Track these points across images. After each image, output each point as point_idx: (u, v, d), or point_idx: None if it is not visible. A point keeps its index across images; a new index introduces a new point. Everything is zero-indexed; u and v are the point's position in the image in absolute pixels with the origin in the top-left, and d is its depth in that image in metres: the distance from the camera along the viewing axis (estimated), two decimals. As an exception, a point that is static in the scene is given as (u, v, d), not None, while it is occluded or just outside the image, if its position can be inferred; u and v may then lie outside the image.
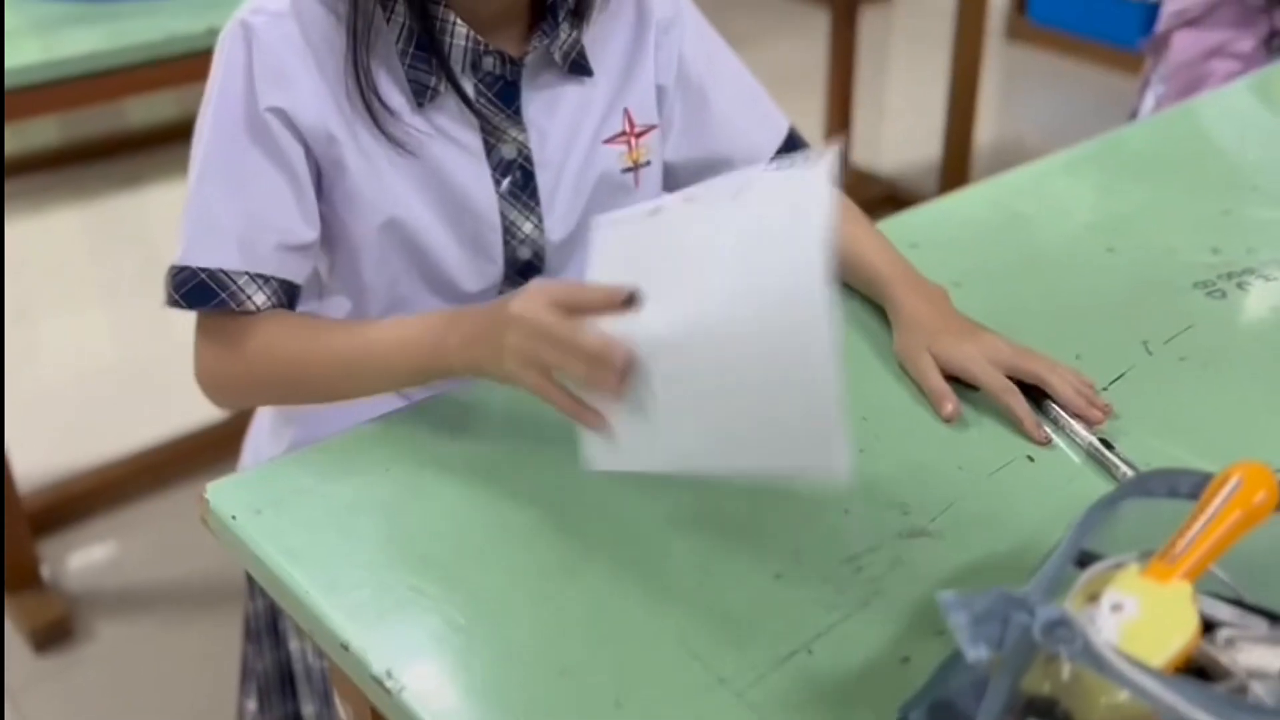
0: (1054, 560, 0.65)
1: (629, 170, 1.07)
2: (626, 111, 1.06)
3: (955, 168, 2.94)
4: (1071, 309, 1.08)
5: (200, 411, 2.21)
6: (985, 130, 3.15)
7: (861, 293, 1.08)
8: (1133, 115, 2.02)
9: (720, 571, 0.80)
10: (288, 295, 0.98)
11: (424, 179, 0.99)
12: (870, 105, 3.50)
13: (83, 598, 1.96)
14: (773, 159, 1.13)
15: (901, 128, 3.54)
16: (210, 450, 2.19)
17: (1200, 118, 1.52)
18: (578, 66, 1.03)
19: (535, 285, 0.84)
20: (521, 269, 1.05)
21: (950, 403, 0.93)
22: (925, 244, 1.19)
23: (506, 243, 1.03)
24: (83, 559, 2.06)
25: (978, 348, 0.96)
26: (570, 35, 1.01)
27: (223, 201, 0.95)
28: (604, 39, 1.04)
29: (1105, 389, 0.97)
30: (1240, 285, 1.10)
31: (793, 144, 1.15)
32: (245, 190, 0.95)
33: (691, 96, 1.10)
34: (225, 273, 0.95)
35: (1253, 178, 1.33)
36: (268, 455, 1.12)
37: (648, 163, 1.08)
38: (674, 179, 1.12)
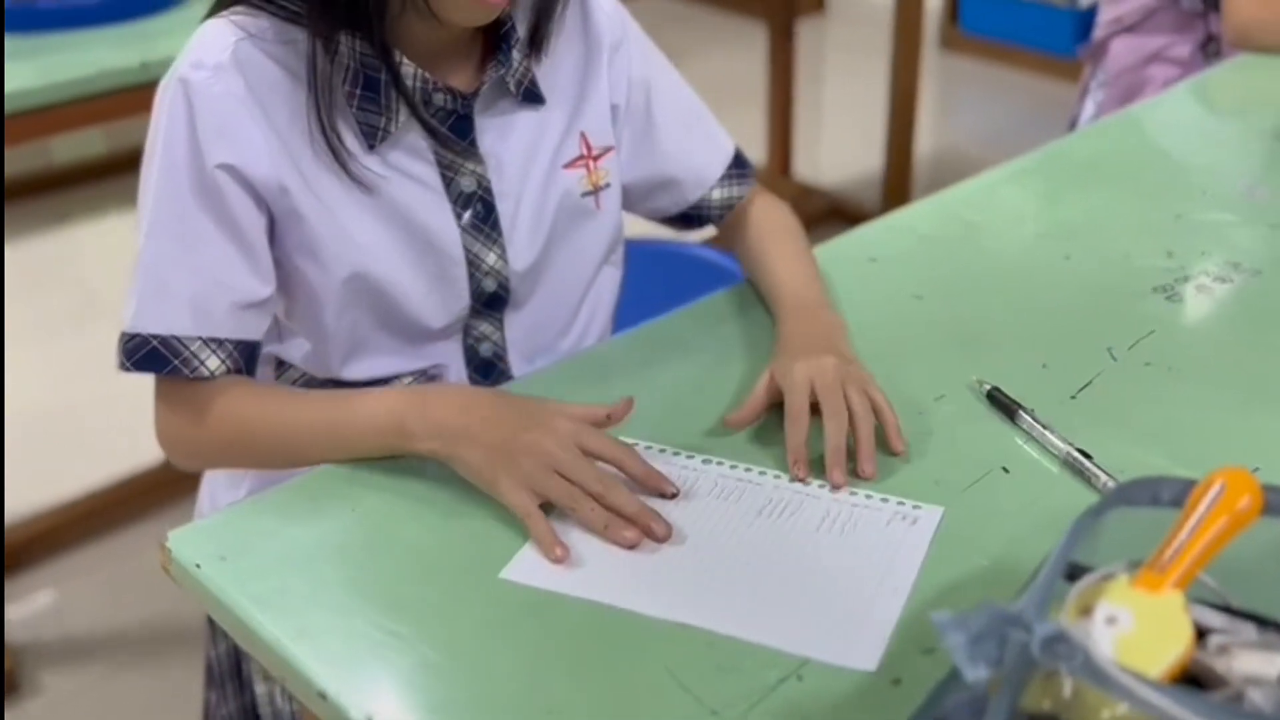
0: (1045, 574, 0.65)
1: (589, 194, 1.07)
2: (583, 135, 1.06)
3: (897, 179, 2.96)
4: (1034, 318, 1.09)
5: (138, 455, 2.17)
6: (924, 141, 3.19)
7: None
8: (1072, 123, 2.05)
9: (702, 599, 0.79)
10: (245, 355, 0.96)
11: (386, 220, 0.98)
12: (809, 118, 3.53)
13: (26, 649, 1.90)
14: (719, 180, 1.14)
15: (841, 140, 3.57)
16: (152, 494, 2.14)
17: (1142, 124, 1.55)
18: (531, 94, 1.02)
19: (559, 413, 0.89)
20: (487, 300, 1.04)
21: (737, 421, 0.94)
22: (883, 258, 1.20)
23: (471, 276, 1.02)
24: (23, 609, 2.00)
25: (806, 369, 0.93)
26: (522, 64, 1.01)
27: (172, 265, 0.93)
28: (555, 64, 1.04)
29: (1074, 396, 0.97)
30: (1198, 288, 1.12)
31: (739, 164, 1.16)
32: (195, 252, 0.93)
33: (638, 117, 1.10)
34: (177, 339, 0.93)
35: (1200, 181, 1.35)
36: (226, 501, 1.09)
37: (607, 185, 1.08)
38: (624, 199, 1.12)
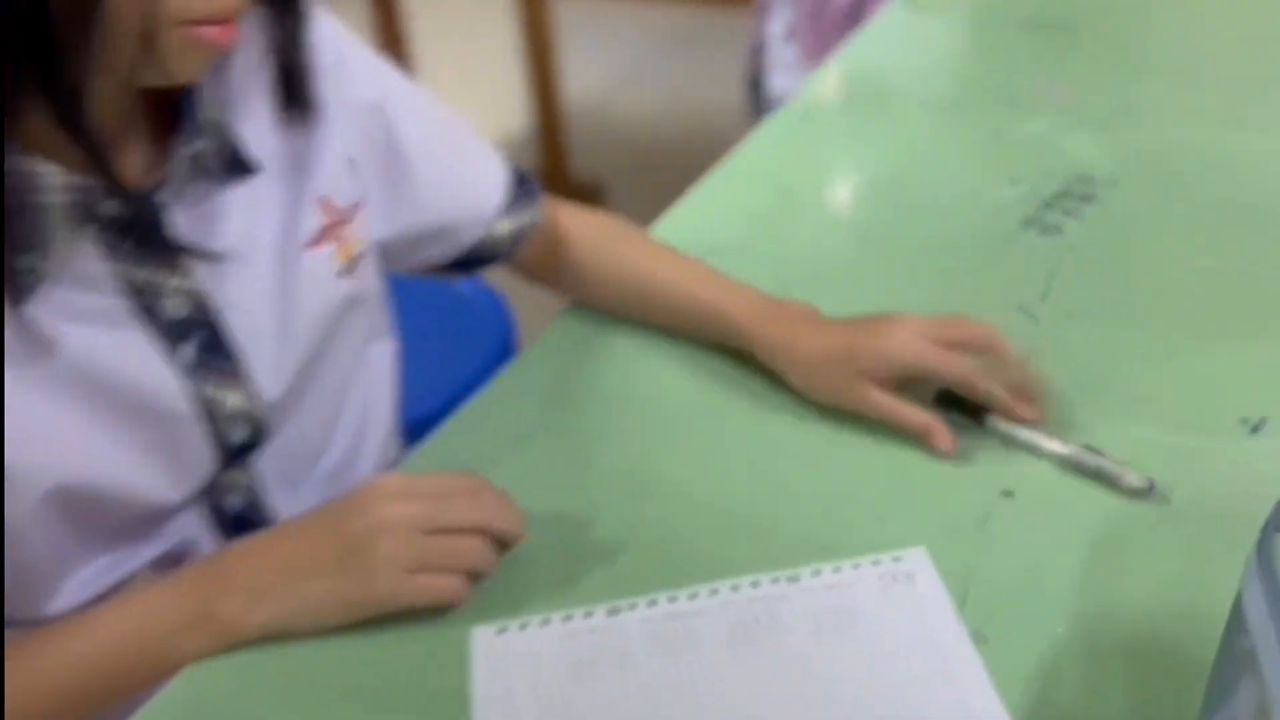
0: None
1: (346, 270, 0.82)
2: (321, 200, 0.80)
3: (551, 136, 2.80)
4: (918, 289, 0.95)
5: None
6: (571, 92, 3.02)
7: (708, 340, 0.89)
8: (757, 48, 1.94)
9: None
10: None
11: (71, 394, 0.69)
12: (433, 87, 3.28)
13: None
14: (504, 209, 0.91)
15: (478, 102, 3.35)
16: None
17: (874, 50, 1.43)
18: (237, 165, 0.75)
19: (373, 486, 0.71)
20: (237, 452, 0.78)
21: (943, 435, 0.79)
22: (720, 247, 1.02)
23: (211, 431, 0.75)
24: None
25: (907, 331, 0.80)
26: (217, 133, 0.73)
27: None
28: (258, 118, 0.77)
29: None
30: (1066, 212, 1.01)
31: (522, 182, 0.94)
32: None
33: (380, 155, 0.85)
34: None
35: (989, 91, 1.25)
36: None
37: (363, 253, 0.83)
38: (384, 259, 0.88)
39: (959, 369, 0.79)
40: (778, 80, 1.88)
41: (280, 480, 0.83)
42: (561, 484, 0.79)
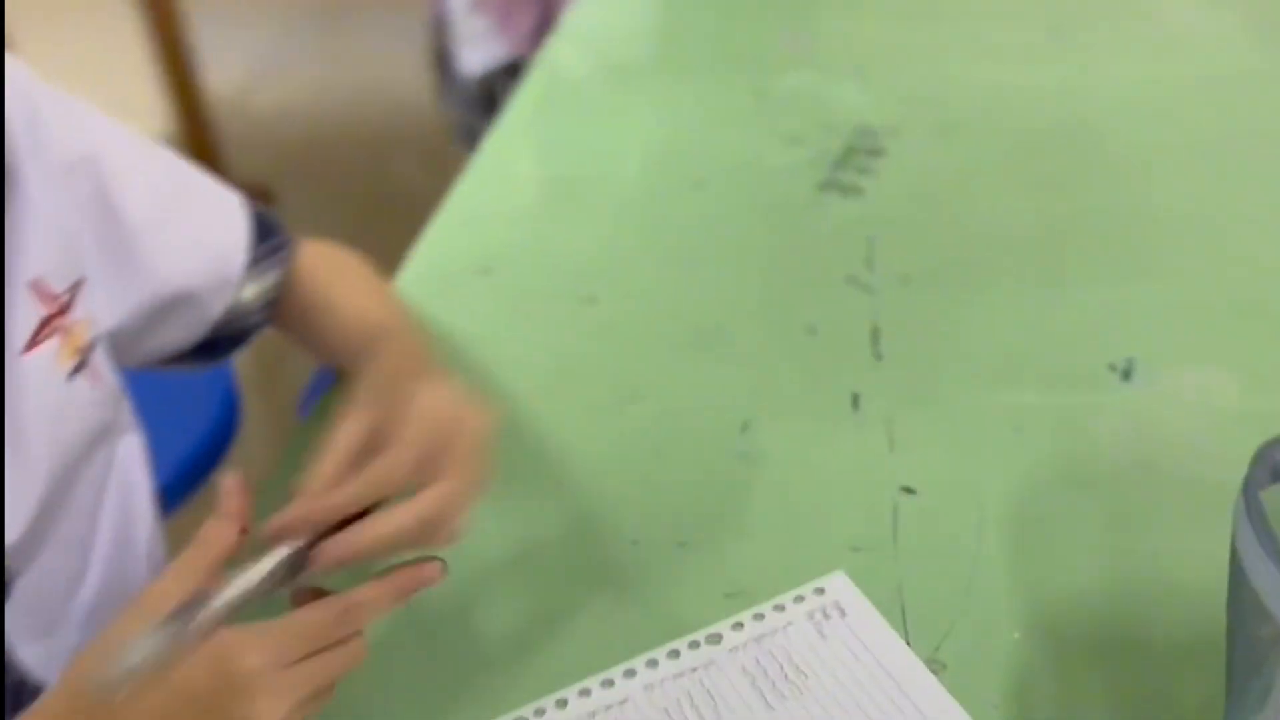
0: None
1: (77, 368, 0.65)
2: (34, 284, 0.64)
3: (195, 138, 2.55)
4: (729, 273, 0.88)
5: None
6: (213, 85, 2.76)
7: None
8: (438, 21, 1.81)
9: None
10: None
11: None
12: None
13: None
14: (249, 267, 0.76)
15: (103, 107, 3.01)
16: None
17: (599, 16, 1.32)
18: None
19: (222, 647, 0.52)
20: None
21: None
22: (497, 266, 0.91)
23: None
24: None
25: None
26: None
27: None
28: None
29: (880, 356, 0.78)
30: (861, 170, 0.97)
31: (264, 228, 0.79)
32: None
33: (93, 217, 0.69)
34: None
35: (727, 49, 1.19)
36: None
37: (92, 342, 0.67)
38: (114, 348, 0.71)
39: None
40: (469, 54, 1.76)
41: (30, 631, 0.66)
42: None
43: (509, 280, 0.89)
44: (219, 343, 0.77)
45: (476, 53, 1.76)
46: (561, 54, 1.21)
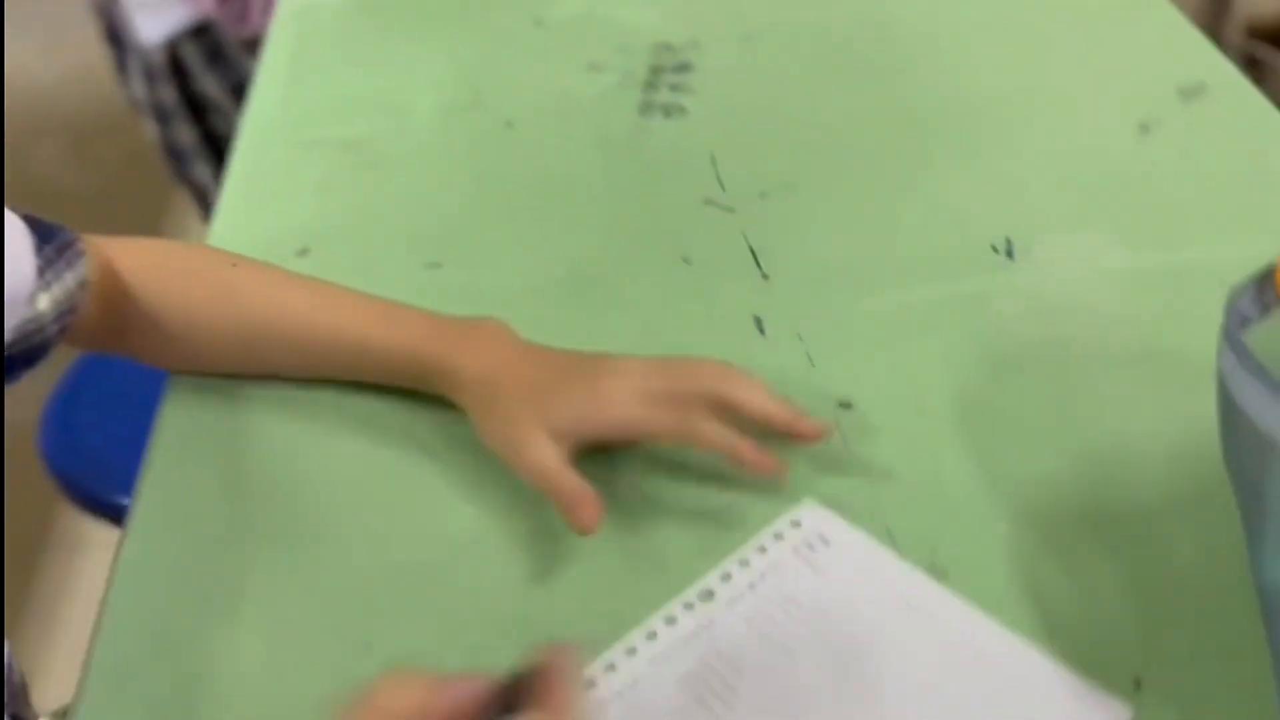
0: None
1: None
2: None
3: None
4: (578, 216, 0.83)
5: None
6: None
7: (367, 380, 0.70)
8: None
9: None
10: None
11: None
12: None
13: None
14: (39, 277, 0.64)
15: None
16: None
17: None
18: None
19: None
20: None
21: (586, 507, 0.60)
22: (317, 244, 0.82)
23: None
24: None
25: (620, 389, 0.63)
26: None
27: None
28: None
29: (766, 275, 0.76)
30: (675, 89, 0.93)
31: (42, 231, 0.67)
32: None
33: None
34: None
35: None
36: None
37: None
38: None
39: (679, 430, 0.63)
40: (146, 22, 1.59)
41: None
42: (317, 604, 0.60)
43: (334, 258, 0.81)
44: (14, 363, 0.65)
45: (154, 20, 1.60)
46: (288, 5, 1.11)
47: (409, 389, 0.69)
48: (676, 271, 0.77)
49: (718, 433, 0.62)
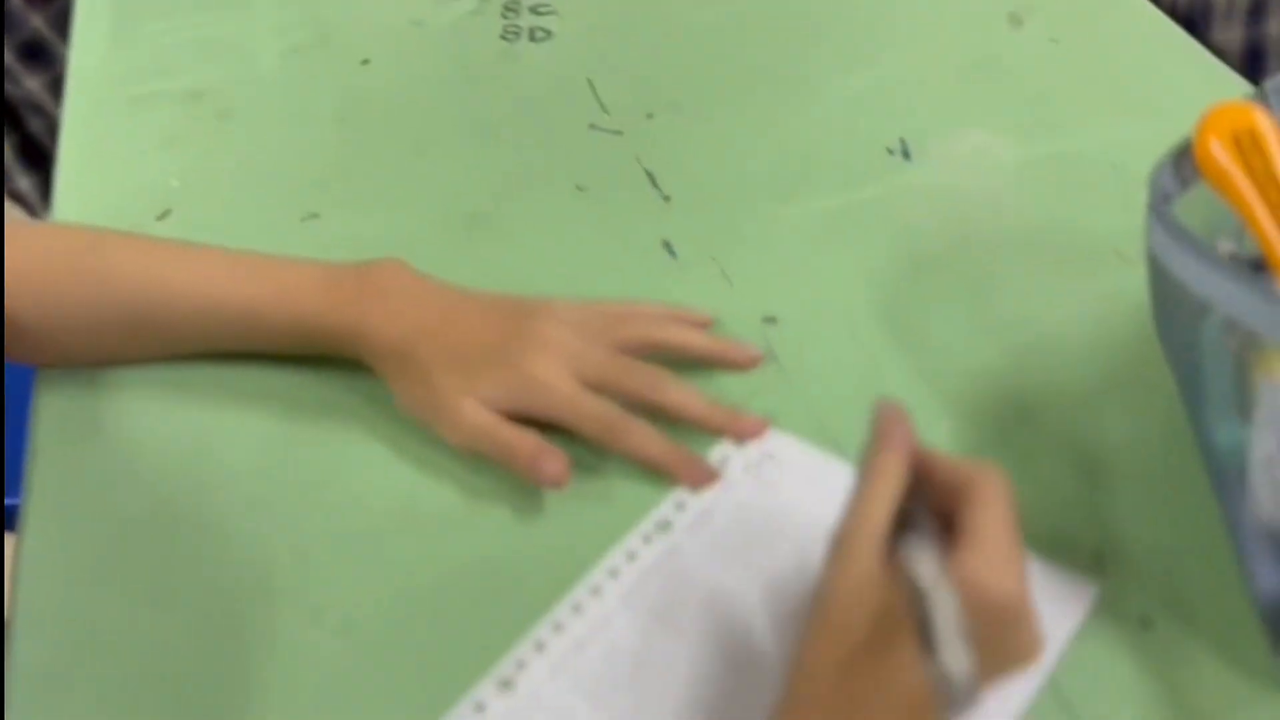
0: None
1: None
2: None
3: None
4: (457, 153, 0.79)
5: None
6: None
7: (272, 351, 0.65)
8: None
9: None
10: None
11: None
12: None
13: None
14: None
15: None
16: None
17: None
18: None
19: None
20: None
21: (551, 459, 0.58)
22: (179, 208, 0.76)
23: None
24: None
25: (552, 369, 0.60)
26: None
27: None
28: None
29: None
30: (536, 10, 0.89)
31: None
32: None
33: None
34: None
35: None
36: None
37: None
38: None
39: (607, 440, 0.59)
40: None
41: None
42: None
43: (199, 218, 0.75)
44: None
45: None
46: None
47: (310, 354, 0.65)
48: (571, 200, 0.75)
49: (647, 443, 0.59)
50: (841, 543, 0.45)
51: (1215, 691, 0.50)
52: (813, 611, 0.45)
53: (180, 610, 0.55)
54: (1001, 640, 0.43)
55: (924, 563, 0.42)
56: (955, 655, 0.40)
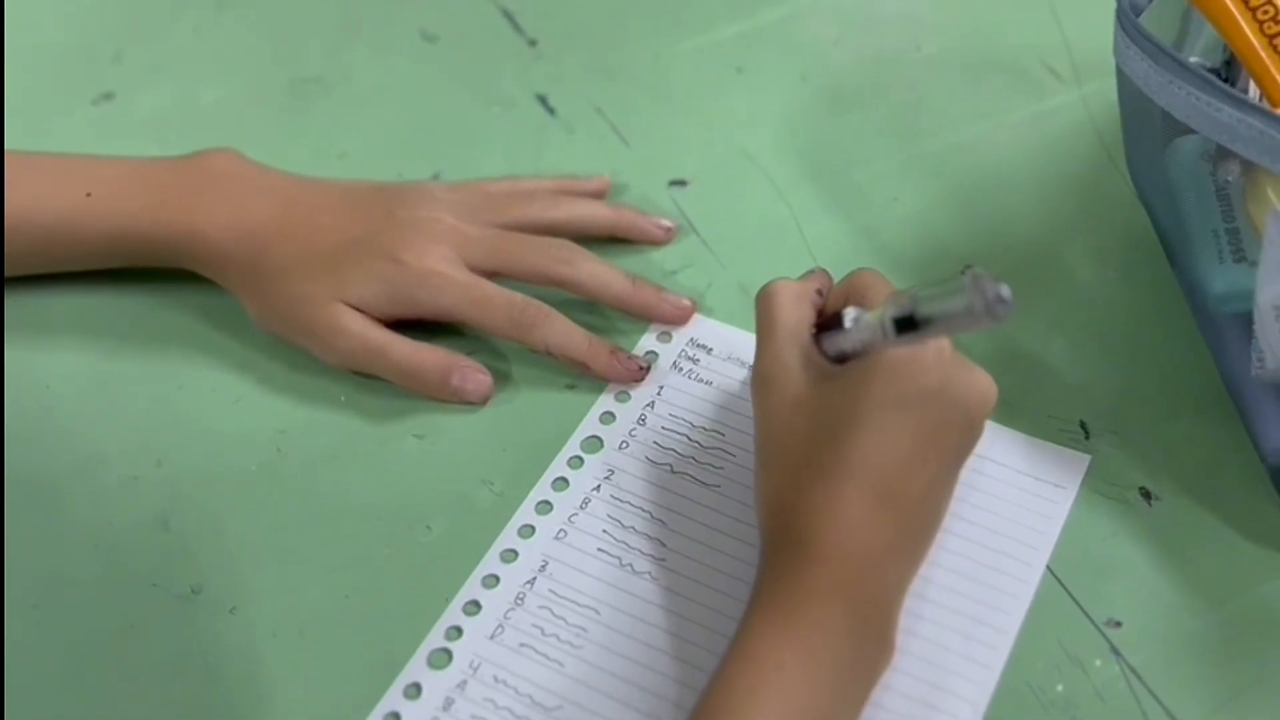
0: None
1: None
2: None
3: None
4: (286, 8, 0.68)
5: None
6: None
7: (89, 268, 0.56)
8: None
9: None
10: None
11: None
12: None
13: None
14: None
15: None
16: None
17: None
18: None
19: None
20: None
21: (470, 373, 0.52)
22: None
23: None
24: None
25: (436, 253, 0.52)
26: None
27: None
28: None
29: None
30: None
31: None
32: None
33: None
34: None
35: None
36: None
37: None
38: None
39: (514, 334, 0.52)
40: None
41: None
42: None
43: None
44: None
45: None
46: None
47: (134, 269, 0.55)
48: (420, 51, 0.65)
49: (569, 332, 0.52)
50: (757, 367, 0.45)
51: (1225, 564, 0.47)
52: (756, 447, 0.44)
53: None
54: None
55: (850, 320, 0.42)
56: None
